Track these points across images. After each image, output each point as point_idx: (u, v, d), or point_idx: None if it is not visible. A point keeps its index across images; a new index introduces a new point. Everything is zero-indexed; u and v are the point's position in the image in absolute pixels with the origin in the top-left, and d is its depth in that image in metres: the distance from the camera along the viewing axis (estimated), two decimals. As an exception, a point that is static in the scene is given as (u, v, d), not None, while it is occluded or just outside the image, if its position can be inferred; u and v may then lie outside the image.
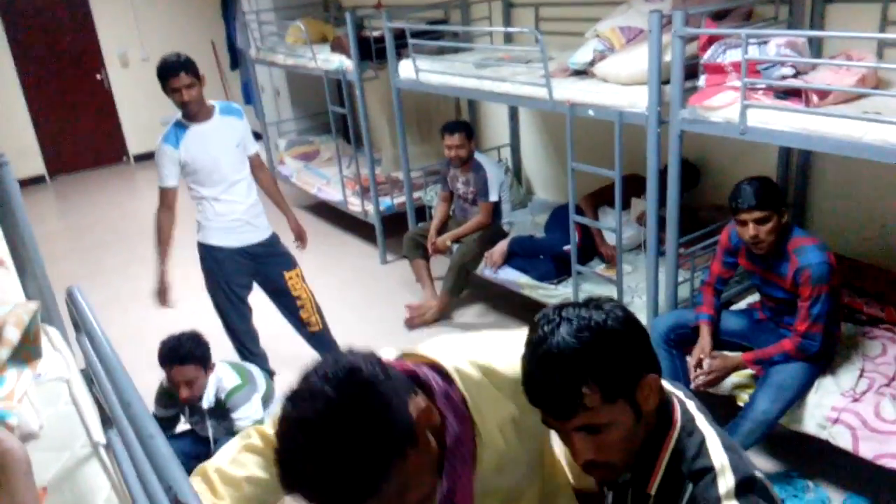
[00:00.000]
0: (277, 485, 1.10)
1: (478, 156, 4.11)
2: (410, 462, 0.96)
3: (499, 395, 1.13)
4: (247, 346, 3.49)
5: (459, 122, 4.25)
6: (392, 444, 0.94)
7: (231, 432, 2.80)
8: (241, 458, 1.16)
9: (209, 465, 1.16)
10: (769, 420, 2.49)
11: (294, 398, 0.97)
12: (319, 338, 3.62)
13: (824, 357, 2.58)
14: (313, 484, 0.93)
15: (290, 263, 3.44)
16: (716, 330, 2.77)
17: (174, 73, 3.04)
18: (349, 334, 3.87)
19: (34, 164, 8.21)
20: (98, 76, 8.39)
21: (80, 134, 8.45)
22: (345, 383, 0.95)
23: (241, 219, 3.24)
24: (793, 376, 2.51)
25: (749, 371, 2.69)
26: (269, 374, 3.52)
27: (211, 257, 3.24)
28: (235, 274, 3.31)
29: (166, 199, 3.16)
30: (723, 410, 2.78)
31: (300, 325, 3.56)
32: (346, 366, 0.98)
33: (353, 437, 0.92)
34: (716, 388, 2.83)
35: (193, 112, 3.09)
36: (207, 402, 2.86)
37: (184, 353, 2.79)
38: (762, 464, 2.79)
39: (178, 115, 3.13)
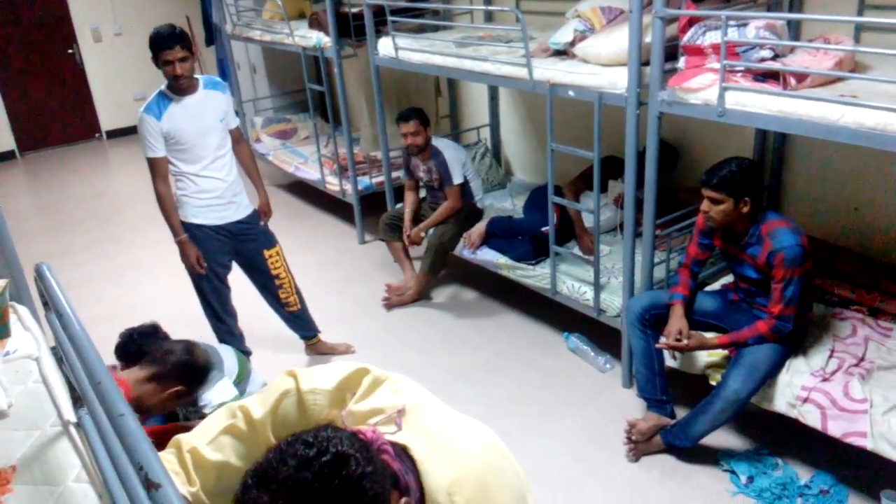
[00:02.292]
0: None
1: (435, 141, 4.06)
2: None
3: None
4: (225, 325, 3.45)
5: (413, 108, 4.10)
6: None
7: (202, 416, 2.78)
8: (221, 441, 1.14)
9: (185, 442, 1.14)
10: (740, 399, 2.53)
11: (266, 477, 0.89)
12: (298, 318, 3.61)
13: (796, 338, 2.62)
14: None
15: (271, 241, 3.41)
16: (689, 310, 2.80)
17: (169, 45, 2.96)
18: (327, 314, 3.87)
19: (4, 139, 8.05)
20: (70, 51, 8.21)
21: (52, 109, 8.28)
22: (331, 477, 0.88)
23: (222, 196, 3.18)
24: (764, 357, 2.54)
25: (722, 351, 2.73)
26: (246, 353, 3.50)
27: (190, 235, 3.18)
28: (215, 253, 3.26)
29: (159, 169, 3.08)
30: (696, 389, 2.83)
31: (279, 304, 3.53)
32: (334, 454, 0.90)
33: None
34: (689, 367, 2.86)
35: (184, 86, 3.02)
36: None
37: (134, 350, 2.67)
38: (733, 441, 2.84)
39: (162, 86, 3.05)
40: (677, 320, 2.74)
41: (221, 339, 3.46)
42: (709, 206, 2.54)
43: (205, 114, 3.08)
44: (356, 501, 0.88)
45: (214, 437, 1.15)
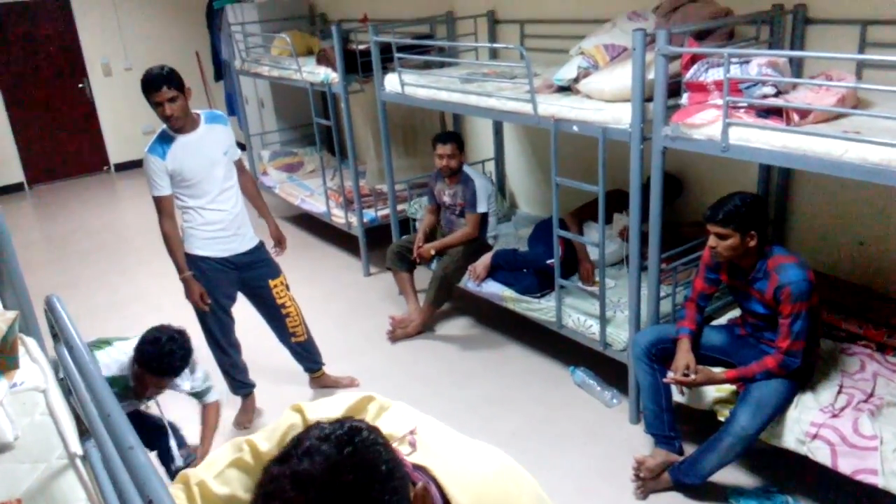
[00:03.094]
0: None
1: (466, 168, 4.12)
2: None
3: None
4: (229, 357, 3.45)
5: (451, 132, 4.28)
6: None
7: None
8: (228, 474, 1.14)
9: (192, 476, 1.14)
10: (749, 435, 2.51)
11: (289, 453, 0.90)
12: (304, 348, 3.60)
13: (804, 373, 2.61)
14: None
15: (275, 272, 3.41)
16: (696, 345, 2.79)
17: (156, 86, 2.98)
18: (332, 347, 3.86)
19: (13, 172, 8.13)
20: (80, 84, 8.34)
21: (61, 142, 8.38)
22: (348, 443, 0.90)
23: (227, 228, 3.20)
24: (772, 392, 2.52)
25: (730, 387, 2.71)
26: (250, 386, 3.50)
27: (195, 268, 3.19)
28: (221, 285, 3.27)
29: (164, 207, 3.11)
30: (704, 425, 2.80)
31: (286, 335, 3.53)
32: (349, 427, 0.92)
33: (358, 497, 0.87)
34: (697, 403, 2.84)
35: (178, 126, 3.05)
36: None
37: (176, 366, 2.73)
38: (742, 478, 2.81)
39: (164, 126, 3.09)
40: (684, 355, 2.72)
41: (225, 371, 3.46)
42: (716, 242, 2.55)
43: (208, 148, 3.10)
44: (370, 464, 0.89)
45: (221, 471, 1.14)
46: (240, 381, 3.50)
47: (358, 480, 0.87)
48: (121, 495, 0.92)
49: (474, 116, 4.87)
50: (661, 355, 2.81)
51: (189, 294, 3.21)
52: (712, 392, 2.76)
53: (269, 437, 1.15)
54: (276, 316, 3.47)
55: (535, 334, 3.88)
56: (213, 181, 3.13)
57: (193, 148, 3.07)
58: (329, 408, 1.19)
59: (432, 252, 4.11)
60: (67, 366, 1.30)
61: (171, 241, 3.14)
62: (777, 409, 2.53)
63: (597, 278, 3.41)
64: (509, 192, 5.14)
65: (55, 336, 1.42)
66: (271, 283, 3.38)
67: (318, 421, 0.95)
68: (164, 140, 3.05)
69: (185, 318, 4.78)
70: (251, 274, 3.33)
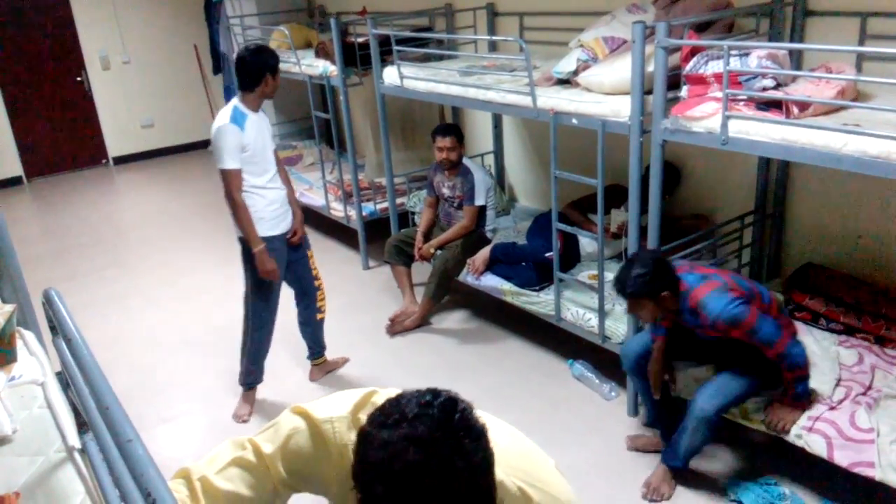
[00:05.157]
0: (276, 501, 1.08)
1: (466, 161, 4.12)
2: None
3: None
4: (268, 344, 3.50)
5: (451, 124, 4.26)
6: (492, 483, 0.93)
7: None
8: (230, 472, 1.13)
9: (194, 471, 1.13)
10: (706, 417, 2.51)
11: (391, 420, 0.93)
12: (320, 327, 3.71)
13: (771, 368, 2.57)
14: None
15: (308, 244, 3.55)
16: (677, 346, 2.78)
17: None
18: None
19: (12, 165, 8.11)
20: (78, 78, 8.31)
21: (59, 136, 8.36)
22: (452, 410, 0.94)
23: (283, 205, 3.32)
24: (735, 381, 2.55)
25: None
26: (261, 379, 3.52)
27: (268, 248, 3.22)
28: (284, 261, 3.37)
29: (237, 179, 3.11)
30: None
31: (313, 309, 3.62)
32: (447, 396, 0.97)
33: (471, 457, 0.90)
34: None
35: (261, 105, 3.22)
36: None
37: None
38: (742, 470, 2.82)
39: (236, 101, 3.15)
40: (654, 364, 2.75)
41: (254, 358, 3.48)
42: (634, 312, 2.60)
43: (266, 129, 3.25)
44: (476, 427, 0.94)
45: (224, 468, 1.14)
46: (259, 372, 3.52)
47: (471, 441, 0.91)
48: (119, 488, 0.92)
49: (473, 109, 4.86)
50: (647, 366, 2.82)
51: (262, 266, 3.22)
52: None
53: (271, 440, 1.14)
54: (309, 289, 3.56)
55: (534, 327, 3.88)
56: (270, 160, 3.26)
57: (259, 126, 3.18)
58: (336, 404, 1.18)
59: (433, 251, 4.11)
60: (66, 359, 1.30)
61: (246, 211, 3.16)
62: (737, 397, 2.55)
63: (595, 272, 3.41)
64: (508, 186, 5.14)
65: (53, 329, 1.42)
66: (309, 252, 3.52)
67: (404, 391, 0.99)
68: (239, 115, 3.11)
69: (183, 311, 4.80)
70: (297, 247, 3.45)
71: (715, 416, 2.53)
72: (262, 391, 3.62)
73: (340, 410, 1.16)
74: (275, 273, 3.26)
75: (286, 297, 3.64)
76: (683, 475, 2.76)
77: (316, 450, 1.12)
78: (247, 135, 3.09)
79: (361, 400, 1.19)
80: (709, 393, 2.55)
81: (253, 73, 3.12)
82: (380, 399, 1.19)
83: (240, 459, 1.14)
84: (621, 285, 2.51)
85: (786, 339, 2.44)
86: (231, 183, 3.11)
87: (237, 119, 3.08)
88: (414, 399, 0.96)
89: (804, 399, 2.53)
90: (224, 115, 3.11)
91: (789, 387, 2.49)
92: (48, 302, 1.35)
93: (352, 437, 1.11)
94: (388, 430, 0.91)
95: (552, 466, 1.18)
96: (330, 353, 3.81)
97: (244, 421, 3.46)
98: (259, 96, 3.17)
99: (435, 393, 0.97)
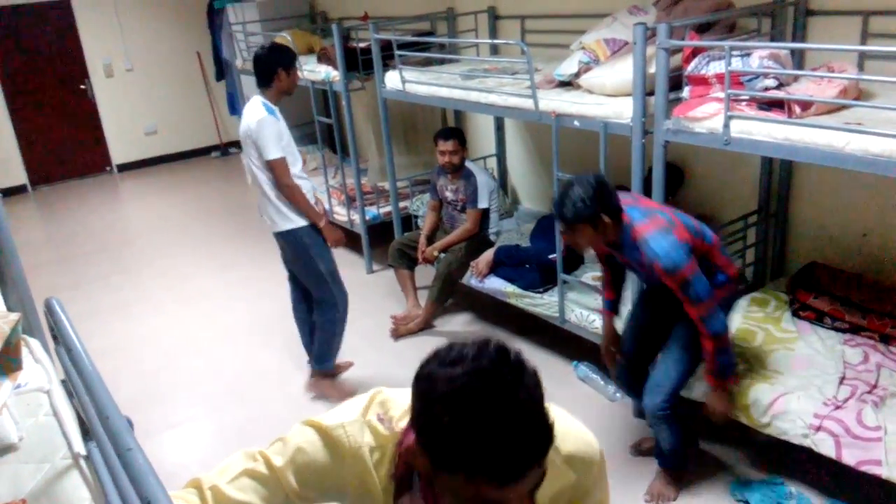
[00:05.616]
0: None
1: (469, 164, 4.12)
2: None
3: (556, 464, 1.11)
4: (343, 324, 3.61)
5: (453, 128, 4.27)
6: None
7: None
8: (242, 482, 1.12)
9: (205, 481, 1.13)
10: (659, 413, 2.55)
11: (451, 359, 0.94)
12: None
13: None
14: (499, 439, 0.88)
15: None
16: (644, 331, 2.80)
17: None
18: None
19: (16, 173, 8.14)
20: (82, 86, 8.34)
21: (63, 143, 8.39)
22: (507, 351, 0.95)
23: (312, 196, 3.39)
24: (666, 372, 2.56)
25: None
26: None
27: (314, 232, 3.34)
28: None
29: (286, 168, 3.23)
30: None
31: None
32: (498, 342, 0.97)
33: (532, 391, 0.92)
34: (701, 397, 2.84)
35: (279, 101, 3.34)
36: None
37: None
38: (745, 470, 2.81)
39: (259, 97, 3.25)
40: (605, 340, 2.84)
41: (335, 333, 3.56)
42: (571, 240, 2.45)
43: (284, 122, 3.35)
44: (528, 367, 0.95)
45: (235, 477, 1.13)
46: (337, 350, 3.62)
47: (528, 376, 0.93)
48: (122, 496, 0.92)
49: (475, 113, 4.86)
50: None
51: (333, 235, 3.40)
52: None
53: (281, 452, 1.14)
54: None
55: (538, 329, 3.87)
56: (297, 150, 3.36)
57: (283, 119, 3.29)
58: (345, 411, 1.18)
59: (436, 254, 4.12)
60: (67, 368, 1.30)
61: (302, 193, 3.28)
62: (678, 381, 2.56)
63: (598, 273, 3.40)
64: (511, 188, 5.14)
65: (55, 338, 1.43)
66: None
67: (452, 343, 0.98)
68: (269, 108, 3.23)
69: (187, 317, 4.81)
70: None
71: (665, 408, 2.54)
72: (266, 397, 3.62)
73: (351, 415, 1.16)
74: (343, 238, 3.45)
75: (285, 300, 3.65)
76: (687, 474, 2.76)
77: (330, 457, 1.12)
78: (282, 124, 3.22)
79: (368, 402, 1.19)
80: (651, 390, 2.57)
81: (266, 69, 3.24)
82: (386, 396, 1.19)
83: (251, 471, 1.13)
84: (559, 208, 2.35)
85: (712, 304, 2.33)
86: (282, 171, 3.21)
87: (272, 111, 3.20)
88: (468, 344, 0.96)
89: (729, 374, 2.49)
90: (256, 109, 3.20)
91: (711, 360, 2.41)
92: (49, 311, 1.36)
93: (366, 438, 1.11)
94: (452, 367, 0.92)
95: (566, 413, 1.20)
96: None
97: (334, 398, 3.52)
98: (276, 92, 3.27)
99: (485, 339, 0.97)
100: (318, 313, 3.50)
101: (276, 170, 3.19)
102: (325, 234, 3.36)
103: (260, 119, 3.14)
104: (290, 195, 3.24)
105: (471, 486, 0.90)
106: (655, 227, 2.32)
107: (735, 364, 2.49)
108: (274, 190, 3.25)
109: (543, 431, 0.91)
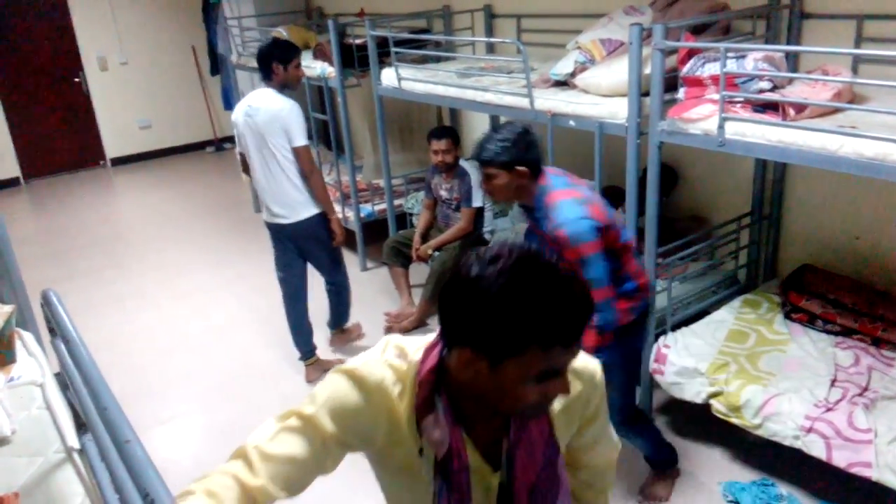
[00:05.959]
0: (315, 465, 1.12)
1: (463, 162, 4.12)
2: None
3: None
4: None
5: (446, 127, 4.27)
6: None
7: None
8: (281, 438, 1.14)
9: (247, 444, 1.15)
10: (621, 427, 2.30)
11: (485, 261, 0.99)
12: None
13: (634, 329, 2.44)
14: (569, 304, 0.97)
15: None
16: None
17: (300, 52, 3.52)
18: (329, 339, 3.86)
19: (9, 166, 8.10)
20: (76, 79, 8.30)
21: (57, 137, 8.35)
22: (523, 245, 1.03)
23: None
24: (612, 386, 2.48)
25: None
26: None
27: (324, 220, 3.51)
28: None
29: (312, 155, 3.43)
30: (701, 416, 2.81)
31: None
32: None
33: (570, 273, 1.01)
34: (693, 397, 2.85)
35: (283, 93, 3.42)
36: None
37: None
38: (736, 471, 2.82)
39: (271, 89, 3.37)
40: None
41: (348, 303, 3.90)
42: (487, 186, 2.37)
43: None
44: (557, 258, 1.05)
45: (274, 436, 1.15)
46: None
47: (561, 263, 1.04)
48: (118, 489, 0.92)
49: (471, 111, 4.86)
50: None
51: (341, 229, 3.58)
52: (707, 387, 2.77)
53: (312, 402, 1.16)
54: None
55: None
56: None
57: None
58: (364, 356, 1.21)
59: (430, 252, 4.12)
60: (64, 360, 1.30)
61: (324, 181, 3.51)
62: (619, 402, 2.46)
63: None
64: (506, 187, 5.13)
65: (52, 330, 1.42)
66: None
67: (474, 253, 1.03)
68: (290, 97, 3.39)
69: (181, 312, 4.80)
70: None
71: (624, 425, 2.45)
72: (258, 393, 3.62)
73: (372, 356, 1.20)
74: (345, 236, 3.61)
75: (278, 296, 3.65)
76: (677, 472, 2.77)
77: (359, 395, 1.14)
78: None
79: (384, 346, 1.22)
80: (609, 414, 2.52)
81: (263, 63, 3.37)
82: (398, 341, 1.22)
83: (287, 426, 1.16)
84: (478, 150, 2.30)
85: (610, 294, 2.26)
86: (310, 157, 3.39)
87: (295, 100, 3.35)
88: (487, 249, 1.03)
89: (607, 330, 2.31)
90: (274, 97, 3.33)
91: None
92: (47, 303, 1.36)
93: (386, 374, 1.14)
94: (495, 263, 0.99)
95: None
96: (329, 353, 3.82)
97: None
98: (277, 84, 3.36)
99: (500, 242, 1.05)
100: (335, 294, 3.77)
101: (305, 156, 3.34)
102: (333, 226, 3.51)
103: (291, 106, 3.29)
104: (317, 181, 3.40)
105: (543, 357, 0.98)
106: (570, 196, 2.25)
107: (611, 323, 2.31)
108: (297, 177, 3.36)
109: (587, 293, 1.01)
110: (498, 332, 0.97)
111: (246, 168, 3.57)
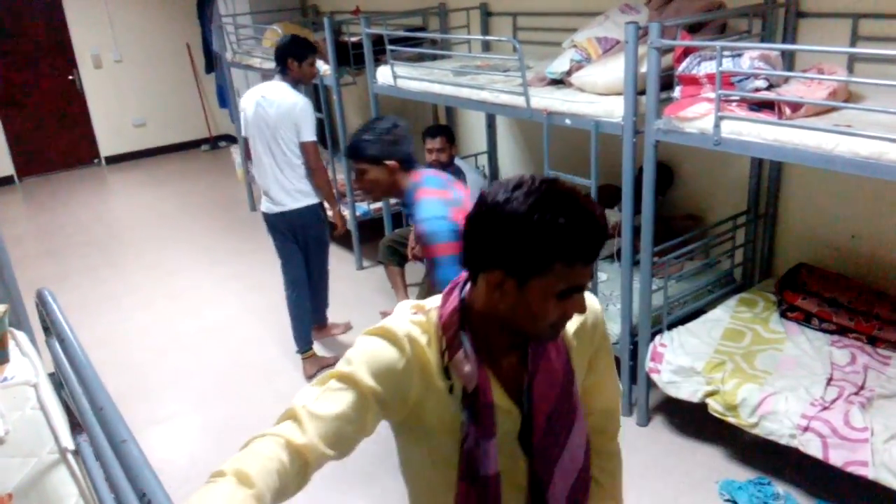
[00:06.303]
0: (359, 423, 1.13)
1: (458, 161, 4.12)
2: None
3: None
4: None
5: (441, 125, 4.27)
6: None
7: None
8: (326, 397, 1.15)
9: (296, 405, 1.15)
10: None
11: (509, 188, 1.06)
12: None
13: None
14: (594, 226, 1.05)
15: None
16: None
17: (315, 51, 3.72)
18: (324, 338, 3.85)
19: (2, 164, 8.07)
20: (70, 76, 8.27)
21: (51, 135, 8.32)
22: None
23: None
24: None
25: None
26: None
27: (322, 211, 3.69)
28: None
29: (320, 151, 3.58)
30: (701, 415, 2.81)
31: (326, 280, 4.03)
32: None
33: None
34: (690, 396, 2.85)
35: (296, 88, 3.60)
36: None
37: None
38: (733, 470, 2.83)
39: (284, 83, 3.54)
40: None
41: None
42: (359, 182, 2.38)
43: None
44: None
45: (320, 395, 1.15)
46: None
47: None
48: (114, 489, 0.92)
49: (467, 109, 4.86)
50: None
51: (340, 222, 3.87)
52: (703, 385, 2.77)
53: (349, 363, 1.18)
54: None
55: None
56: None
57: None
58: (391, 318, 1.23)
59: None
60: (59, 359, 1.29)
61: (330, 182, 3.70)
62: None
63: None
64: (502, 186, 5.13)
65: (46, 330, 1.41)
66: None
67: (495, 184, 1.10)
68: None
69: (176, 312, 4.79)
70: None
71: None
72: (254, 392, 3.61)
73: (394, 318, 1.23)
74: (346, 227, 3.89)
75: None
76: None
77: (393, 349, 1.16)
78: None
79: (401, 310, 1.25)
80: None
81: (279, 57, 3.55)
82: (414, 301, 1.26)
83: (329, 387, 1.16)
84: (348, 146, 2.32)
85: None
86: (317, 152, 3.54)
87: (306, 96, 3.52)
88: (508, 179, 1.09)
89: None
90: (289, 92, 3.50)
91: None
92: (41, 302, 1.35)
93: (412, 328, 1.19)
94: (520, 188, 1.06)
95: None
96: (324, 352, 3.82)
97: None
98: (291, 79, 3.54)
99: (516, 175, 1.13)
100: (320, 277, 3.90)
101: (312, 151, 3.51)
102: (335, 218, 3.77)
103: (305, 102, 3.44)
104: (322, 175, 3.55)
105: (566, 274, 1.06)
106: (438, 195, 2.24)
107: None
108: (301, 168, 3.52)
109: (603, 214, 1.07)
110: (526, 251, 1.04)
111: (248, 153, 3.75)
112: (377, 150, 2.29)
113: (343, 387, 1.15)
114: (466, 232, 1.12)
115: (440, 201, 2.22)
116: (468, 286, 1.19)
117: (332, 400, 1.14)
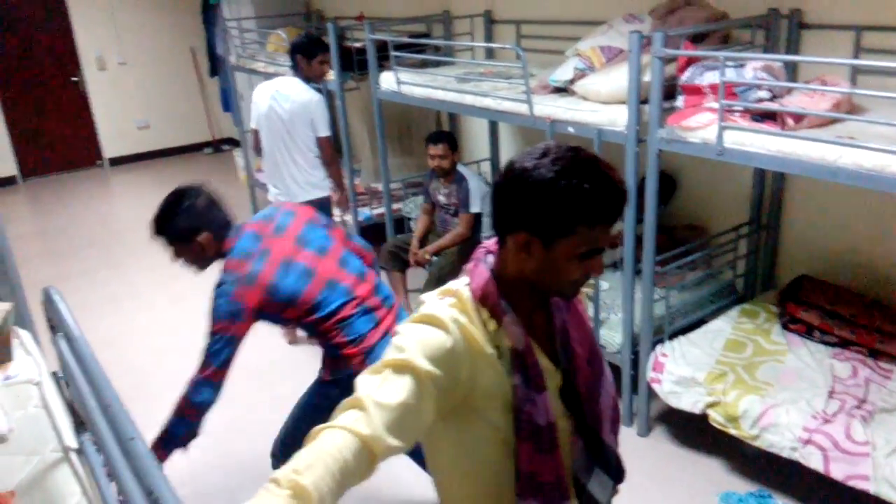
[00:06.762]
0: (420, 410, 1.13)
1: (461, 168, 4.13)
2: None
3: None
4: None
5: (443, 132, 4.28)
6: None
7: None
8: (388, 386, 1.15)
9: (360, 393, 1.15)
10: None
11: (535, 156, 1.15)
12: None
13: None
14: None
15: None
16: None
17: (327, 49, 3.91)
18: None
19: (6, 165, 8.08)
20: (74, 78, 8.29)
21: (55, 136, 8.33)
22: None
23: None
24: None
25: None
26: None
27: (329, 204, 3.89)
28: None
29: (333, 145, 3.78)
30: (701, 425, 2.80)
31: None
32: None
33: None
34: (691, 407, 2.85)
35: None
36: None
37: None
38: (734, 482, 2.82)
39: (296, 79, 3.73)
40: None
41: None
42: (176, 259, 2.33)
43: None
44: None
45: (381, 383, 1.15)
46: None
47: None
48: (120, 487, 0.92)
49: (470, 116, 4.87)
50: None
51: (347, 205, 4.20)
52: (704, 396, 2.77)
53: (400, 350, 1.18)
54: None
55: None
56: None
57: None
58: (425, 306, 1.25)
59: (428, 256, 4.12)
60: (65, 357, 1.30)
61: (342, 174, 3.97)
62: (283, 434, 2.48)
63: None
64: (504, 193, 5.13)
65: (53, 328, 1.42)
66: None
67: (521, 155, 1.18)
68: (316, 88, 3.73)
69: (177, 314, 4.79)
70: None
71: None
72: (253, 394, 3.61)
73: (429, 305, 1.25)
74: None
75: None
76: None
77: (439, 331, 1.18)
78: None
79: (431, 298, 1.28)
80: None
81: (291, 54, 3.75)
82: (437, 289, 1.29)
83: (388, 375, 1.16)
84: (154, 224, 2.20)
85: (217, 377, 2.21)
86: (332, 146, 3.72)
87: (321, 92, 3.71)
88: (530, 150, 1.17)
89: (176, 444, 2.21)
90: (303, 87, 3.66)
91: (165, 424, 2.16)
92: (48, 300, 1.35)
93: (451, 310, 1.22)
94: (545, 157, 1.14)
95: None
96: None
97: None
98: (303, 77, 3.69)
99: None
100: None
101: (327, 145, 3.69)
102: (341, 202, 4.04)
103: (319, 98, 3.58)
104: (337, 168, 3.76)
105: (589, 235, 1.14)
106: (233, 269, 2.13)
107: (188, 437, 2.25)
108: (313, 161, 3.71)
109: (622, 180, 1.15)
110: (552, 214, 1.12)
111: (258, 145, 3.89)
112: (187, 225, 2.14)
113: (401, 374, 1.16)
114: (495, 196, 1.19)
115: (232, 277, 2.11)
116: (490, 259, 1.27)
117: (394, 388, 1.14)
